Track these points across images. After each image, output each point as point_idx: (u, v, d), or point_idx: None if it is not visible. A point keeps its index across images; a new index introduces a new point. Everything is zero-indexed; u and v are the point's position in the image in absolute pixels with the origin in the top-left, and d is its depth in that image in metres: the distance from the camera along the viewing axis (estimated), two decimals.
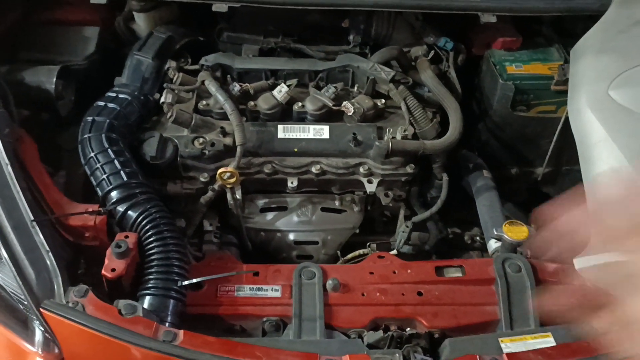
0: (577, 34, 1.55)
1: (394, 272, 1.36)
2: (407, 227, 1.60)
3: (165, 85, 1.59)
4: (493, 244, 1.47)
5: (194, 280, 1.26)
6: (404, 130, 1.56)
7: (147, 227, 1.29)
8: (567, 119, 1.50)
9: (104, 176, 1.36)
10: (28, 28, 1.71)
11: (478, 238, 1.70)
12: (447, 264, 1.39)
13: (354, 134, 1.55)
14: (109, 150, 1.40)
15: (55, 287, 1.17)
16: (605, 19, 1.53)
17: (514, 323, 1.28)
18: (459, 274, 1.36)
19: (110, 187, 1.35)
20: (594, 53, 1.46)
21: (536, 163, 1.80)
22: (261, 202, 1.60)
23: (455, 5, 1.59)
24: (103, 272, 1.20)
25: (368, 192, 1.56)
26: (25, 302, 1.15)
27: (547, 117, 1.68)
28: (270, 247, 1.62)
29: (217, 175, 1.42)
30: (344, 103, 1.59)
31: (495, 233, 1.44)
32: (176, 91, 1.59)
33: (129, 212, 1.32)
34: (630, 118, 1.29)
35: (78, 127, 1.49)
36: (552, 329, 1.26)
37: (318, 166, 1.54)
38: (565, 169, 1.78)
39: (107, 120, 1.46)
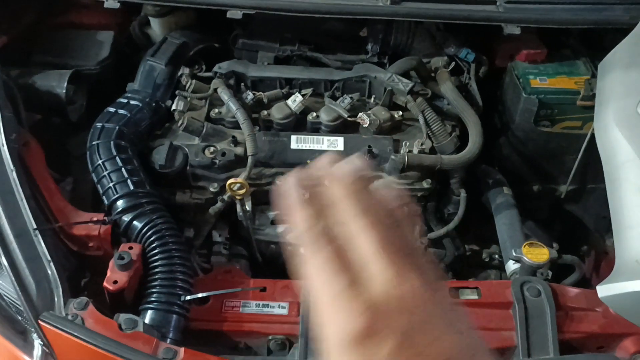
0: (605, 47, 1.48)
1: None
2: (422, 243, 1.54)
3: (177, 92, 1.56)
4: (512, 265, 1.41)
5: (198, 296, 1.22)
6: (421, 144, 1.50)
7: (152, 238, 1.26)
8: (593, 136, 1.44)
9: (111, 184, 1.33)
10: (42, 31, 1.70)
11: (497, 256, 1.63)
12: (463, 285, 1.33)
13: (369, 146, 1.49)
14: (117, 158, 1.37)
15: (56, 298, 1.14)
16: (635, 32, 1.46)
17: (532, 350, 1.22)
18: (475, 296, 1.30)
19: (116, 195, 1.32)
20: (623, 68, 1.39)
21: (559, 180, 1.73)
22: (272, 214, 1.56)
23: (478, 15, 1.53)
24: (105, 284, 1.17)
25: None
26: (24, 314, 1.12)
27: (572, 133, 1.61)
28: (280, 260, 1.58)
29: (227, 186, 1.38)
30: (360, 114, 1.54)
31: (514, 254, 1.38)
32: (188, 98, 1.55)
33: (134, 222, 1.28)
34: None
35: (88, 132, 1.46)
36: (572, 358, 1.20)
37: None
38: (590, 187, 1.71)
39: (117, 127, 1.43)
